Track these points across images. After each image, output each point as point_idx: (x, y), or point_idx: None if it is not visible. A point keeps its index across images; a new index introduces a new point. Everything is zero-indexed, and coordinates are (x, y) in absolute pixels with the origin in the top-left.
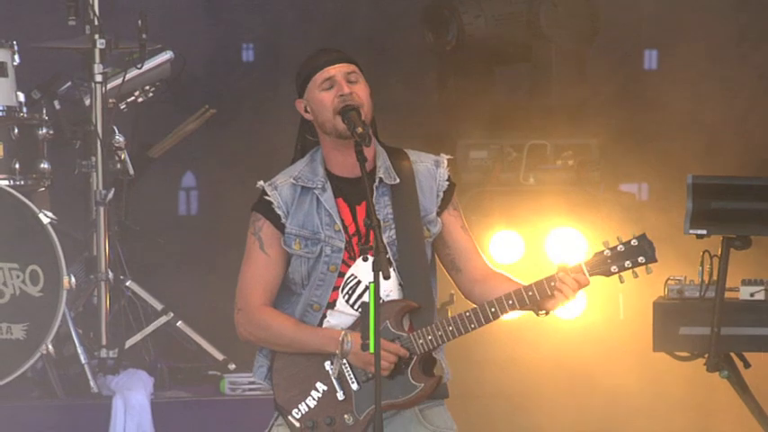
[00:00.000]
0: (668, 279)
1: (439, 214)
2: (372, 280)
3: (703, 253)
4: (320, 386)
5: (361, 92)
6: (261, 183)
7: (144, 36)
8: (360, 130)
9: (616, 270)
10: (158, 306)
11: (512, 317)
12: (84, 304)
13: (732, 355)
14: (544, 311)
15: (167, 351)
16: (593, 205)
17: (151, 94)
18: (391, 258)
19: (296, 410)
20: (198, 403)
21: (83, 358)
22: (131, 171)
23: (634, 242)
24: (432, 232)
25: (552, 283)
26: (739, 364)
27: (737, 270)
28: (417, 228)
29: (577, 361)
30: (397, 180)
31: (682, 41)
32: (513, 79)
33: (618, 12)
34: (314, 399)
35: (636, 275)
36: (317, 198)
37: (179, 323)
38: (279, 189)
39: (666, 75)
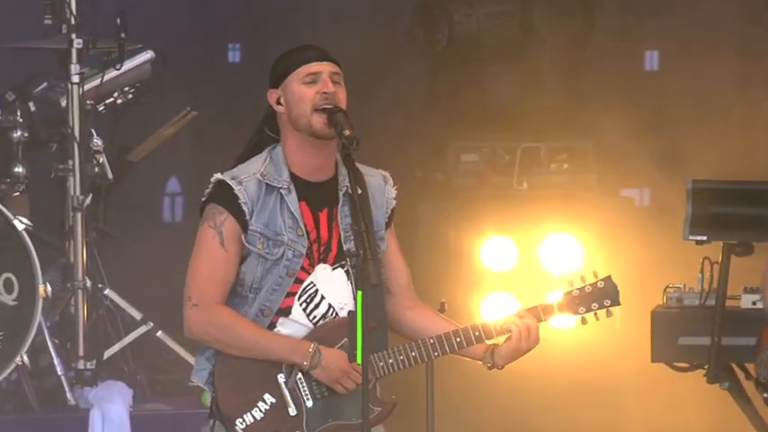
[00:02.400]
0: (667, 287)
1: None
2: (358, 287)
3: (703, 260)
4: (268, 398)
5: (341, 95)
6: (218, 175)
7: (123, 35)
8: (348, 132)
9: (583, 311)
10: (138, 315)
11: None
12: (61, 313)
13: (733, 365)
14: (490, 365)
15: (147, 362)
16: (589, 211)
17: (130, 96)
18: (350, 271)
19: (240, 420)
20: (179, 416)
21: (59, 369)
22: (110, 175)
23: (600, 284)
24: (381, 249)
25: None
26: (741, 374)
27: (739, 277)
28: (374, 242)
29: (572, 372)
30: (360, 191)
31: (683, 42)
32: (505, 79)
33: (617, 11)
34: (260, 411)
35: (597, 318)
36: (282, 198)
37: (159, 333)
38: (244, 185)
39: (668, 76)
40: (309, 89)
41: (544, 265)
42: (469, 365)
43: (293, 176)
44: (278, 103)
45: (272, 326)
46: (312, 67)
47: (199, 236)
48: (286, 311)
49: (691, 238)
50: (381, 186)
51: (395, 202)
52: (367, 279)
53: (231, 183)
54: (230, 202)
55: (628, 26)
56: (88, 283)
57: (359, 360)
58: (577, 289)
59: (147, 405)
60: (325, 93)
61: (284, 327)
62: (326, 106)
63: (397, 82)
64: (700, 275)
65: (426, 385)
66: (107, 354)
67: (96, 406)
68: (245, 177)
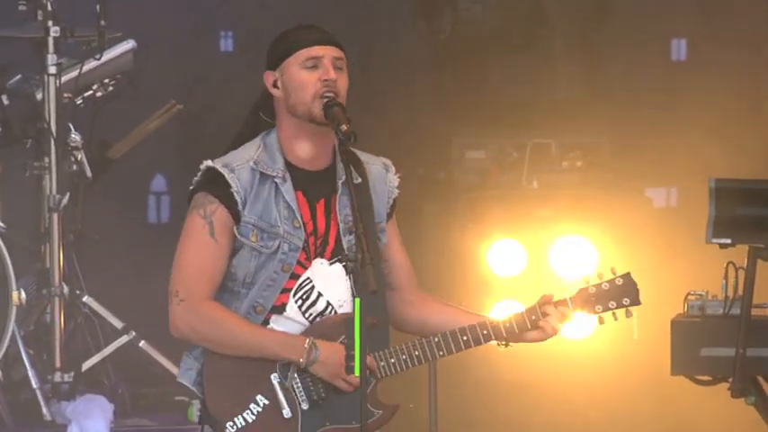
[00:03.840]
0: (688, 294)
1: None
2: (356, 295)
3: (727, 265)
4: (261, 399)
5: (343, 83)
6: (208, 162)
7: (103, 23)
8: (344, 127)
9: (600, 309)
10: (119, 324)
11: None
12: (36, 322)
13: (759, 378)
14: (504, 343)
15: (129, 374)
16: (604, 211)
17: (111, 88)
18: (349, 267)
19: (231, 424)
20: None
21: (34, 382)
22: (89, 173)
23: (619, 281)
24: (382, 242)
25: (533, 317)
26: (767, 388)
27: (766, 284)
28: (375, 234)
29: (587, 385)
30: (359, 180)
31: (713, 30)
32: (513, 70)
33: None
34: (252, 413)
35: (616, 318)
36: (277, 187)
37: (142, 343)
38: (237, 173)
39: (696, 66)
40: (310, 75)
41: (555, 270)
42: (475, 375)
43: (288, 165)
44: (274, 86)
45: (265, 323)
46: (314, 51)
47: (186, 226)
48: (280, 309)
49: (714, 241)
50: (382, 175)
51: (397, 191)
52: (366, 285)
53: (223, 170)
54: (222, 191)
55: (652, 12)
56: (65, 290)
57: (357, 372)
58: (593, 286)
59: (129, 420)
60: (326, 80)
61: (277, 324)
62: (327, 95)
63: (398, 73)
64: (724, 282)
65: (429, 392)
66: (86, 365)
67: (74, 421)
68: (238, 165)
